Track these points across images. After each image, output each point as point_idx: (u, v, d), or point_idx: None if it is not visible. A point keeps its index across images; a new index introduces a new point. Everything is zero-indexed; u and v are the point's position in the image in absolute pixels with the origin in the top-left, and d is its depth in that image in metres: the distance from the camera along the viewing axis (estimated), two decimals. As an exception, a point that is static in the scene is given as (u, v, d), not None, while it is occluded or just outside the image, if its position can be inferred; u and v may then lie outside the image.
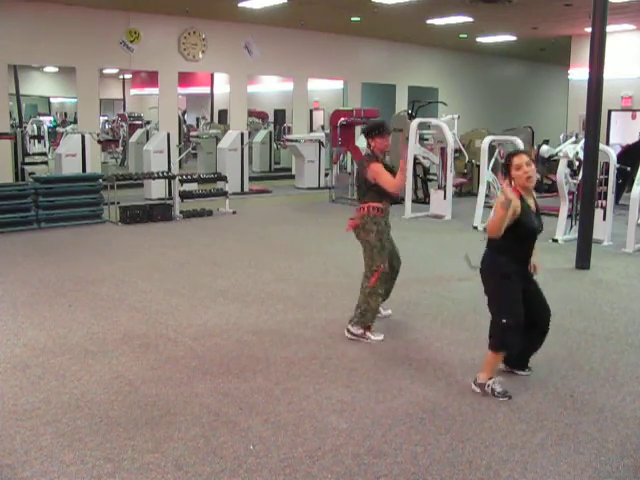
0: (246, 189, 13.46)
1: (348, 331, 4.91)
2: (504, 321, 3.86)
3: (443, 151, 11.31)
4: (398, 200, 5.25)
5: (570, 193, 8.95)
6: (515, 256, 3.91)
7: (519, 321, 3.85)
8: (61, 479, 3.00)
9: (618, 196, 10.06)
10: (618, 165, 8.92)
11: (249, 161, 14.48)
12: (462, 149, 11.58)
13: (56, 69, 16.66)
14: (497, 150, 10.56)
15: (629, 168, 9.63)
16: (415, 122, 11.13)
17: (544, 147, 12.54)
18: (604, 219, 8.62)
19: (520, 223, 3.80)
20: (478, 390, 3.95)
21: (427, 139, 12.30)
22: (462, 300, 5.92)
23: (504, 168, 3.96)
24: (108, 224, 9.89)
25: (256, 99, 18.85)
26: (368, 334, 4.86)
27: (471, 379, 4.08)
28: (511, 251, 3.88)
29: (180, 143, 14.35)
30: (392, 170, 4.96)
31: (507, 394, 3.90)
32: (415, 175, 11.77)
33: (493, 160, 10.08)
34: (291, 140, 14.31)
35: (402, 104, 17.23)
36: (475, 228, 9.63)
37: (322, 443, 3.33)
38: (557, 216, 9.11)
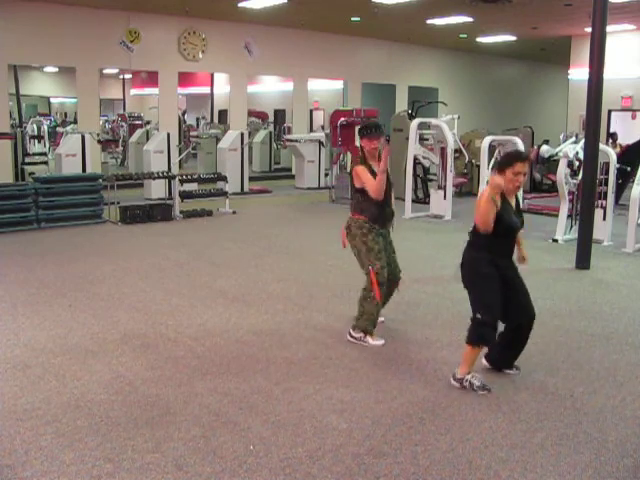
0: (246, 189, 13.45)
1: (349, 334, 4.91)
2: (478, 316, 3.94)
3: (443, 151, 11.30)
4: (386, 212, 5.00)
5: (570, 193, 8.95)
6: (495, 252, 3.96)
7: (494, 318, 3.91)
8: (61, 479, 3.00)
9: (618, 196, 10.06)
10: (618, 165, 8.92)
11: (249, 161, 14.47)
12: (462, 149, 11.58)
13: (56, 69, 16.64)
14: (497, 150, 10.56)
15: (629, 168, 9.64)
16: (415, 122, 11.13)
17: (544, 147, 12.55)
18: (604, 219, 8.62)
19: (500, 219, 3.85)
20: (457, 385, 4.01)
21: (427, 139, 12.30)
22: (462, 300, 5.86)
23: (500, 165, 3.95)
24: (108, 224, 9.89)
25: (256, 99, 18.83)
26: (368, 338, 4.82)
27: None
28: (491, 247, 3.94)
29: (180, 143, 14.34)
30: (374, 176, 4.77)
31: (486, 387, 3.97)
32: (415, 175, 11.77)
33: (493, 160, 10.09)
34: (291, 140, 14.31)
35: (402, 104, 17.23)
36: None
37: (322, 443, 3.33)
38: (557, 216, 9.10)
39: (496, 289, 3.93)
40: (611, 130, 14.50)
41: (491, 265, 3.94)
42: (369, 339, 4.82)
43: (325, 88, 18.17)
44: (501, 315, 3.96)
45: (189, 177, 11.36)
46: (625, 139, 13.39)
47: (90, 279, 6.57)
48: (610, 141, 13.43)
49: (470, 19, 13.61)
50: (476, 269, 3.99)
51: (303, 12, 13.22)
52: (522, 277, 4.13)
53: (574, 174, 8.97)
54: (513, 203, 4.00)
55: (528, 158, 3.97)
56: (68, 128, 16.11)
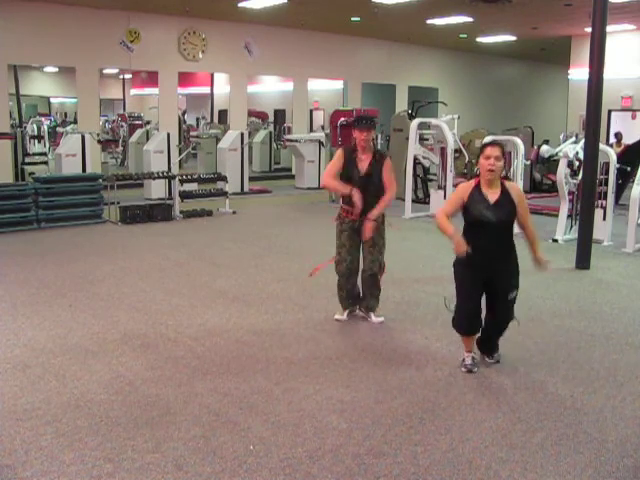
0: (246, 189, 13.46)
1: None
2: (454, 305, 4.26)
3: (443, 151, 11.30)
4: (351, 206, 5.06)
5: (570, 193, 8.95)
6: (474, 245, 4.06)
7: (466, 309, 4.17)
8: (61, 479, 3.00)
9: (618, 196, 10.06)
10: (618, 165, 8.92)
11: (249, 161, 14.47)
12: (462, 149, 11.58)
13: (56, 69, 16.66)
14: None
15: (629, 168, 9.64)
16: (415, 122, 11.13)
17: (544, 147, 12.57)
18: (604, 219, 8.62)
19: (467, 209, 4.09)
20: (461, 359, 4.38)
21: (427, 139, 12.30)
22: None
23: (477, 157, 4.18)
24: (108, 224, 9.89)
25: (256, 99, 18.85)
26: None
27: (472, 379, 4.13)
28: (470, 240, 4.08)
29: (180, 143, 14.34)
30: (354, 167, 4.98)
31: (469, 369, 4.24)
32: (415, 175, 11.77)
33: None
34: (291, 140, 14.31)
35: (402, 104, 17.24)
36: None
37: (322, 443, 3.33)
38: (557, 216, 9.10)
39: (469, 283, 4.15)
40: (616, 130, 14.50)
41: (465, 270, 4.13)
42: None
43: (325, 88, 18.18)
44: (470, 313, 4.17)
45: (189, 177, 11.35)
46: (625, 139, 13.39)
47: (90, 279, 6.57)
48: (615, 140, 13.42)
49: (470, 19, 13.62)
50: (455, 267, 4.24)
51: (303, 12, 13.23)
52: (509, 282, 4.17)
53: (574, 174, 8.97)
54: (493, 197, 4.04)
55: (499, 144, 4.13)
56: (68, 128, 16.12)
